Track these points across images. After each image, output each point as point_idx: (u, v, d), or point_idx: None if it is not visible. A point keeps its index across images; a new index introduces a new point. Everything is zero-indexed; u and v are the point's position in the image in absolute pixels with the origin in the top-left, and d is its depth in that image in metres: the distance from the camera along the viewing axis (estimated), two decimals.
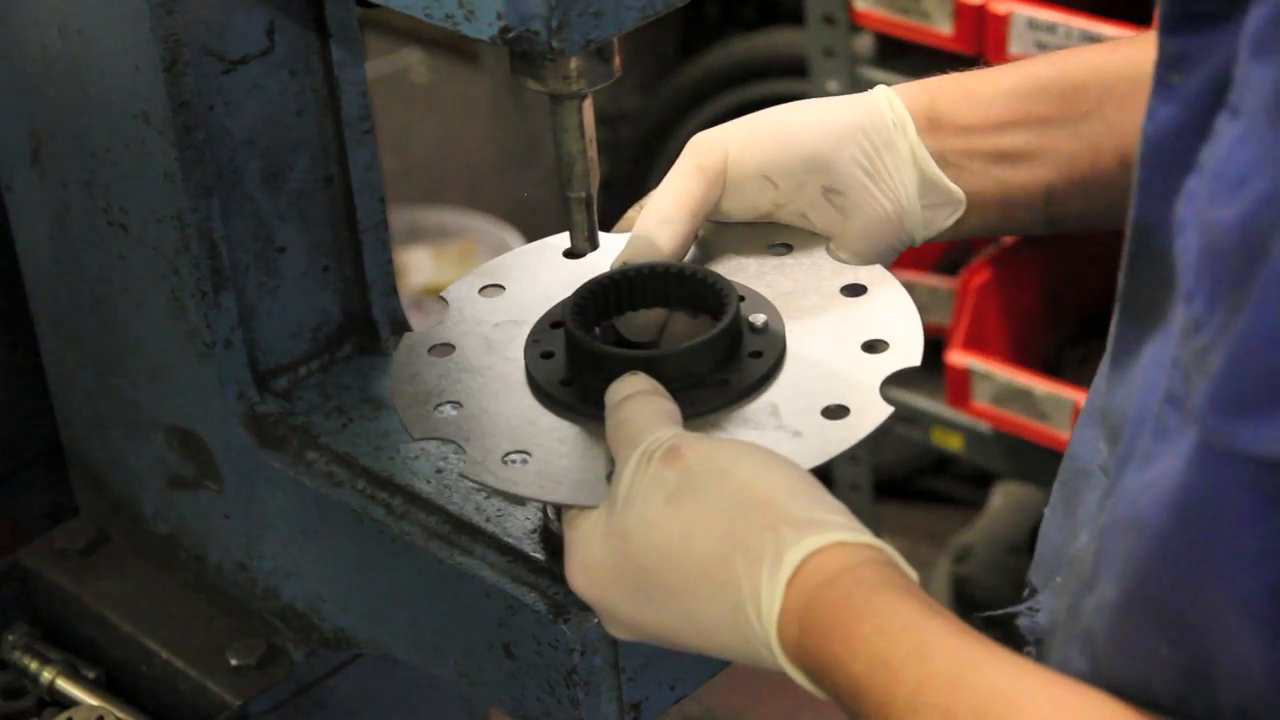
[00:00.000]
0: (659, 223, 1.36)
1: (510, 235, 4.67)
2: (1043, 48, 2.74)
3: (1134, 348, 1.09)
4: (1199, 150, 0.93)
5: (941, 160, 1.35)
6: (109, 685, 1.57)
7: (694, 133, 1.41)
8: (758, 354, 1.29)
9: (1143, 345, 1.07)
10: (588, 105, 1.27)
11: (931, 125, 1.35)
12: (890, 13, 2.91)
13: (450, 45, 5.09)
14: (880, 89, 1.37)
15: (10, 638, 1.59)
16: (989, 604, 3.50)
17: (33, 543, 1.65)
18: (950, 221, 1.37)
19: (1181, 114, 0.99)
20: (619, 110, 4.59)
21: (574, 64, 1.22)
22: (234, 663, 1.51)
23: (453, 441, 1.27)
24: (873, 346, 1.30)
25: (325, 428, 1.48)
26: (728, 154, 1.37)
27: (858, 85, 3.04)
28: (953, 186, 1.36)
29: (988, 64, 3.06)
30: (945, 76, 1.38)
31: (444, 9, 1.15)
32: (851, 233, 1.37)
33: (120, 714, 1.53)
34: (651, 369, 1.25)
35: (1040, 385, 2.83)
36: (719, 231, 1.41)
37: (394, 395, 1.32)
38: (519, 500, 1.36)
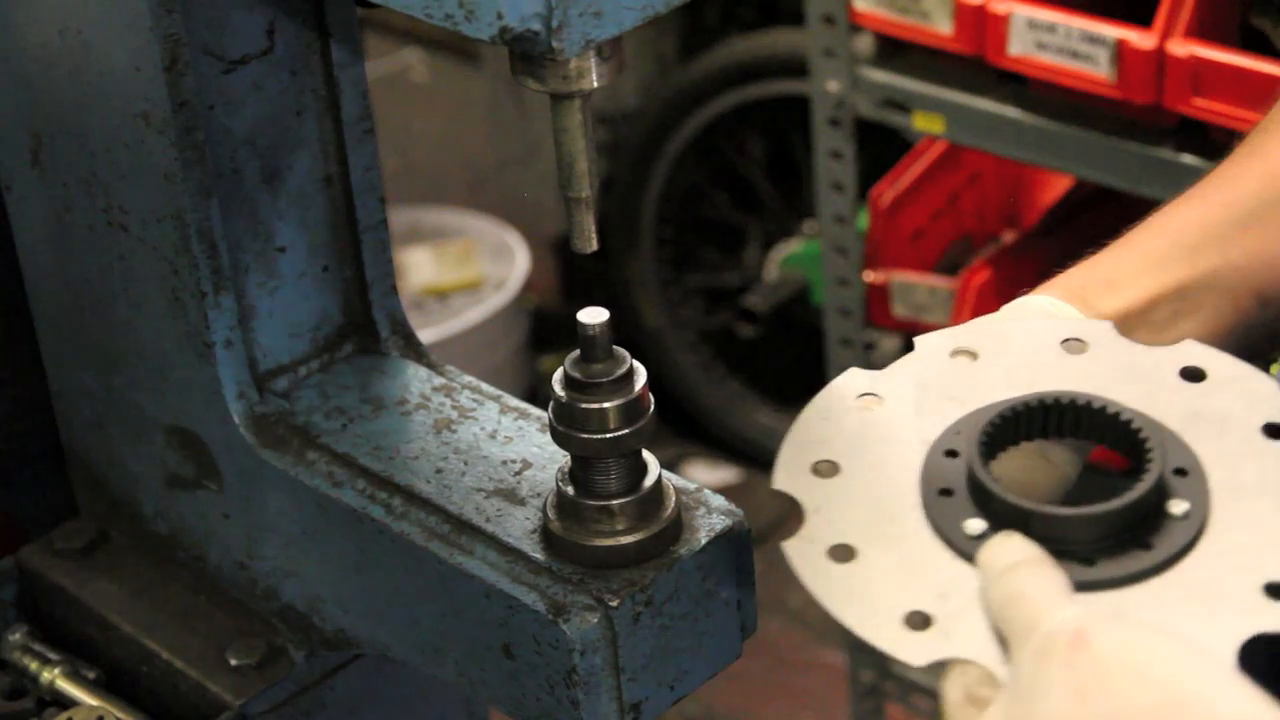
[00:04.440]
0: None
1: (510, 235, 4.67)
2: (1042, 48, 2.74)
3: None
4: None
5: None
6: (109, 685, 1.57)
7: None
8: (1181, 516, 1.16)
9: None
10: (588, 104, 1.27)
11: (1094, 317, 1.35)
12: (890, 13, 2.91)
13: (450, 45, 5.10)
14: (1029, 298, 1.36)
15: (10, 638, 1.59)
16: None
17: (33, 543, 1.65)
18: None
19: None
20: (619, 110, 4.59)
21: (574, 64, 1.21)
22: (234, 663, 1.51)
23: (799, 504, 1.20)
24: None
25: (325, 428, 1.48)
26: None
27: (858, 85, 3.04)
28: None
29: (987, 65, 3.06)
30: (1074, 271, 1.38)
31: (444, 9, 1.15)
32: None
33: (120, 714, 1.53)
34: (1064, 528, 1.15)
35: None
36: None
37: (799, 424, 1.27)
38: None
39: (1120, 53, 2.66)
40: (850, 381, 1.30)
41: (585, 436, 1.31)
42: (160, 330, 1.48)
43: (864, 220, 3.35)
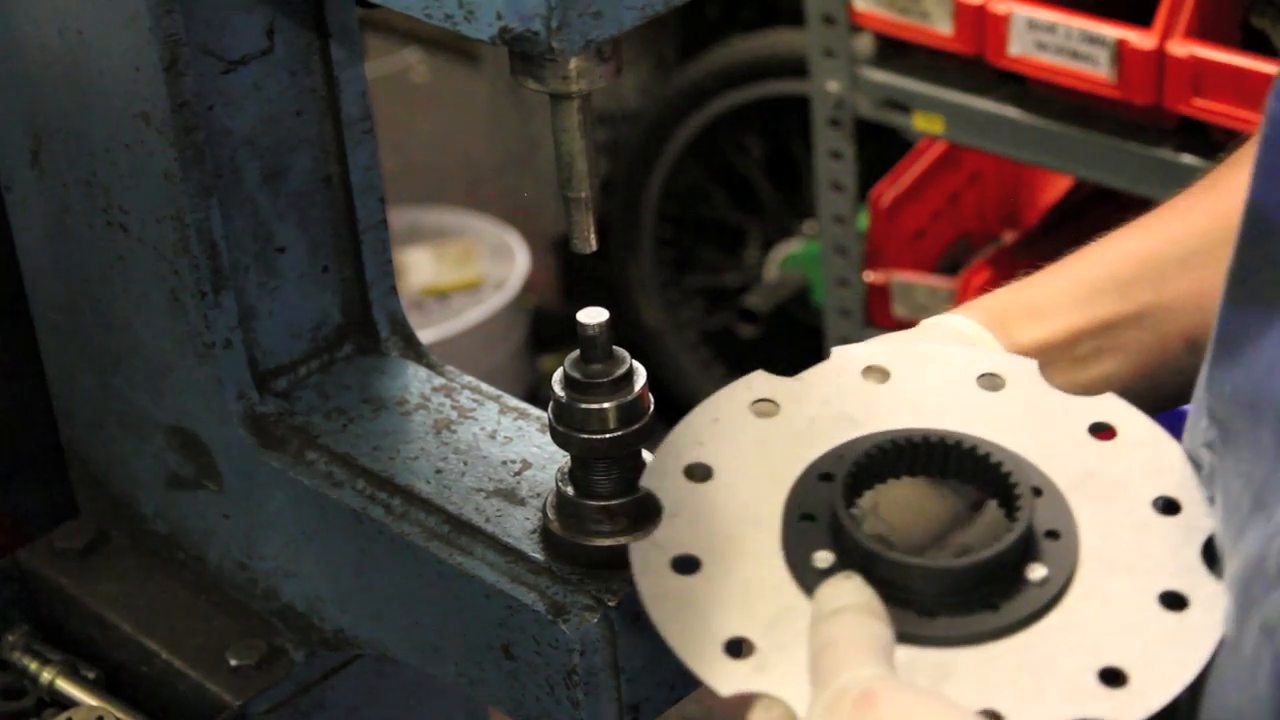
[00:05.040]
0: None
1: (510, 235, 4.67)
2: (1042, 48, 2.74)
3: (1245, 332, 1.06)
4: None
5: None
6: (109, 685, 1.57)
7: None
8: (1037, 582, 1.10)
9: (1260, 329, 1.05)
10: (588, 105, 1.27)
11: (1011, 346, 1.32)
12: (890, 13, 2.91)
13: (450, 45, 5.10)
14: (947, 317, 1.32)
15: (10, 638, 1.59)
16: None
17: (33, 543, 1.65)
18: None
19: None
20: (619, 110, 4.59)
21: (574, 64, 1.21)
22: (234, 663, 1.51)
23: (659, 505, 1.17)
24: (1176, 600, 1.09)
25: (325, 428, 1.48)
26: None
27: (858, 85, 3.04)
28: None
29: (987, 65, 3.06)
30: (1000, 293, 1.34)
31: (444, 9, 1.15)
32: None
33: (120, 714, 1.53)
34: (907, 577, 1.10)
35: None
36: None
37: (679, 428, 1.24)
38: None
39: (1120, 53, 2.66)
40: (751, 385, 1.25)
41: (585, 437, 1.31)
42: (160, 330, 1.48)
43: (864, 220, 3.35)
